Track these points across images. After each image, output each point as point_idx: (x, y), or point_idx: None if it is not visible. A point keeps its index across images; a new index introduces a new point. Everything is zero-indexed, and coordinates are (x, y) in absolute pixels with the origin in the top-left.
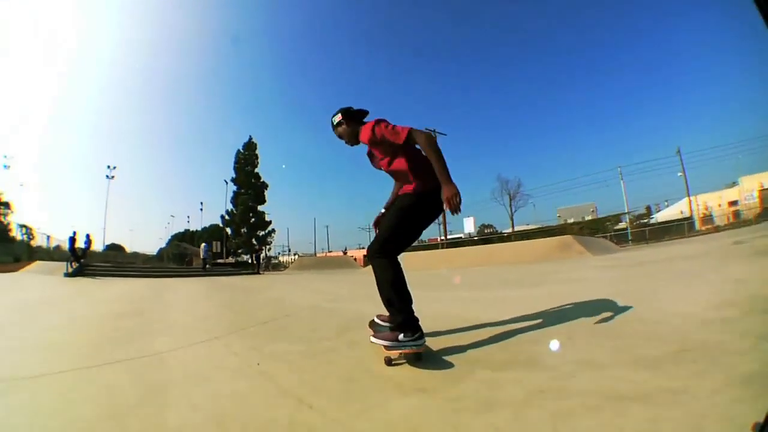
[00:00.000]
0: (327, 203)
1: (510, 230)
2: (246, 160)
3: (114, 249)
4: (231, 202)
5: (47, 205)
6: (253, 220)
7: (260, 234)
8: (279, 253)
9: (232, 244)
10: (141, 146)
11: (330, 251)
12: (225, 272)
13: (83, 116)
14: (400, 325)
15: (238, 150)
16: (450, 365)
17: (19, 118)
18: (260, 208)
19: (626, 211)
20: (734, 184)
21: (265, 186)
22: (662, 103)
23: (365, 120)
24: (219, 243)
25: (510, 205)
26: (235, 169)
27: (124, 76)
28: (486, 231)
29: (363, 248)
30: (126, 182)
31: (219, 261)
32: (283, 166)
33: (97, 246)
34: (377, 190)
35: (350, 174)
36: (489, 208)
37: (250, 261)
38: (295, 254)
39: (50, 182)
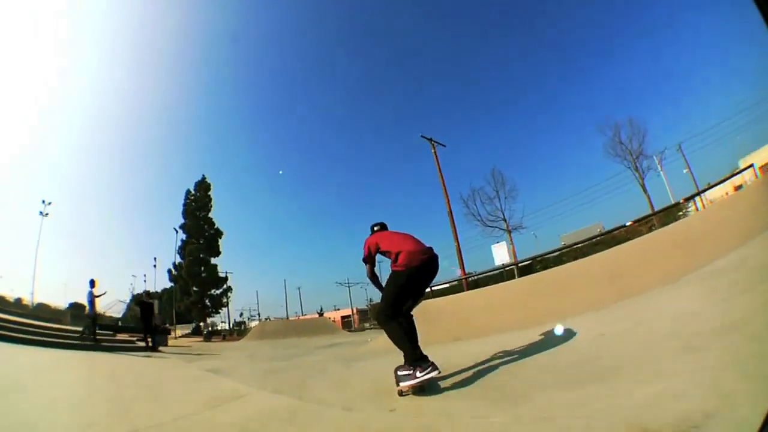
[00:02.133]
0: (298, 263)
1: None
2: (197, 203)
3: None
4: (178, 252)
5: None
6: (204, 275)
7: (214, 293)
8: (249, 318)
9: (181, 306)
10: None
11: (303, 314)
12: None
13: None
14: (413, 361)
15: (188, 190)
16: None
17: None
18: (213, 261)
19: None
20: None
21: (218, 234)
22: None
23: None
24: (156, 302)
25: (510, 237)
26: (184, 213)
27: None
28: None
29: (339, 309)
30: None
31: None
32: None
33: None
34: (348, 246)
35: (319, 232)
36: (474, 248)
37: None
38: (266, 319)
39: None
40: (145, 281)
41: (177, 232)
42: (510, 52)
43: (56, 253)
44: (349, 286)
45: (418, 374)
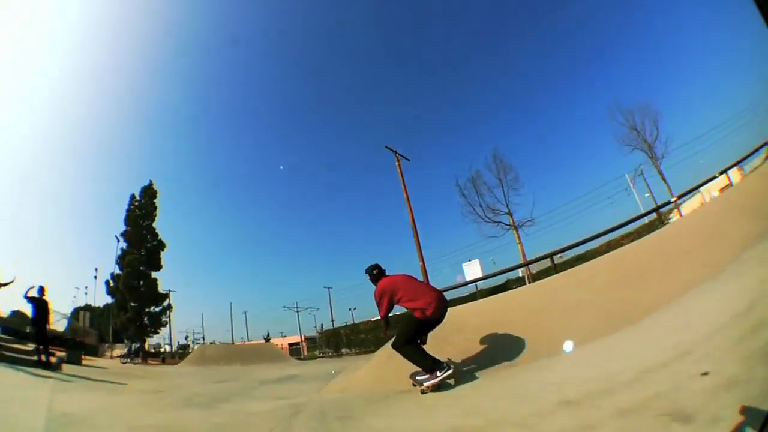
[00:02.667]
0: (245, 286)
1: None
2: (141, 209)
3: None
4: (117, 263)
5: None
6: (142, 289)
7: (153, 310)
8: (194, 341)
9: (117, 322)
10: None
11: (250, 340)
12: None
13: None
14: (431, 368)
15: (133, 195)
16: None
17: None
18: (154, 275)
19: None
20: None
21: (161, 246)
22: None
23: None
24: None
25: (516, 235)
26: (127, 219)
27: None
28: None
29: (286, 336)
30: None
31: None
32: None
33: None
34: (298, 269)
35: (267, 255)
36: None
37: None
38: (211, 342)
39: None
40: (86, 294)
41: (118, 240)
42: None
43: None
44: (297, 311)
45: (438, 374)
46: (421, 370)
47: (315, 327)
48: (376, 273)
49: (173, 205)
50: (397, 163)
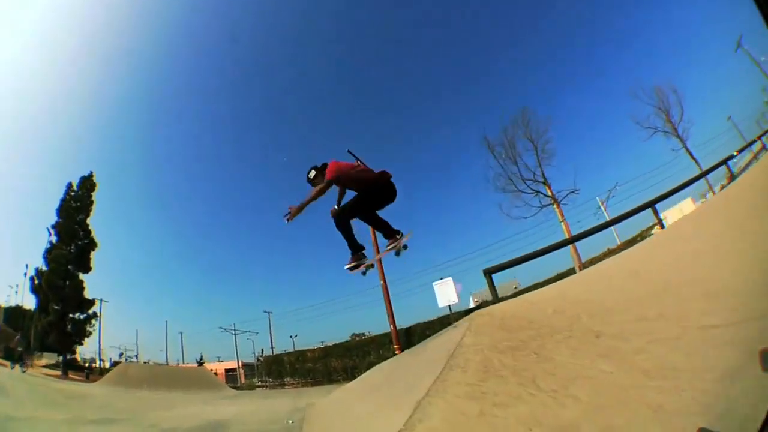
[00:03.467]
0: (182, 306)
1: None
2: (77, 201)
3: None
4: (43, 257)
5: None
6: (67, 290)
7: (77, 317)
8: (127, 359)
9: (38, 325)
10: None
11: (185, 362)
12: None
13: None
14: (353, 252)
15: (70, 183)
16: None
17: None
18: (82, 277)
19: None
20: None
21: (92, 246)
22: None
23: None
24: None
25: (558, 210)
26: (59, 210)
27: None
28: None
29: (222, 361)
30: None
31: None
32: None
33: None
34: (232, 295)
35: (203, 276)
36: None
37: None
38: (145, 362)
39: None
40: (16, 293)
41: (50, 233)
42: None
43: None
44: (234, 334)
45: (353, 260)
46: (351, 258)
47: (254, 353)
48: (318, 167)
49: (111, 204)
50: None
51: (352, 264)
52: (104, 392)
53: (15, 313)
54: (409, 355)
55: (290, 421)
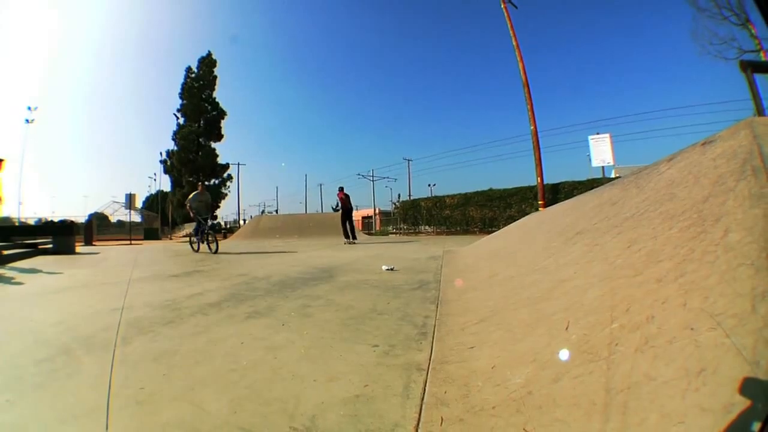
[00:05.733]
0: (320, 157)
1: None
2: (199, 81)
3: None
4: (172, 138)
5: None
6: (200, 160)
7: (213, 182)
8: (267, 213)
9: (173, 200)
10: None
11: (323, 212)
12: None
13: None
14: (345, 237)
15: (189, 67)
16: None
17: None
18: (215, 146)
19: None
20: None
21: (221, 115)
22: None
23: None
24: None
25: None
26: (182, 93)
27: None
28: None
29: (358, 208)
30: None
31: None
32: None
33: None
34: (371, 143)
35: (343, 123)
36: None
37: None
38: (274, 212)
39: None
40: (155, 180)
41: (177, 117)
42: None
43: None
44: (372, 180)
45: (344, 240)
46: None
47: (391, 200)
48: (342, 188)
49: (237, 76)
50: (503, 6)
51: (344, 242)
52: (225, 246)
53: (155, 198)
54: (617, 188)
55: (388, 268)
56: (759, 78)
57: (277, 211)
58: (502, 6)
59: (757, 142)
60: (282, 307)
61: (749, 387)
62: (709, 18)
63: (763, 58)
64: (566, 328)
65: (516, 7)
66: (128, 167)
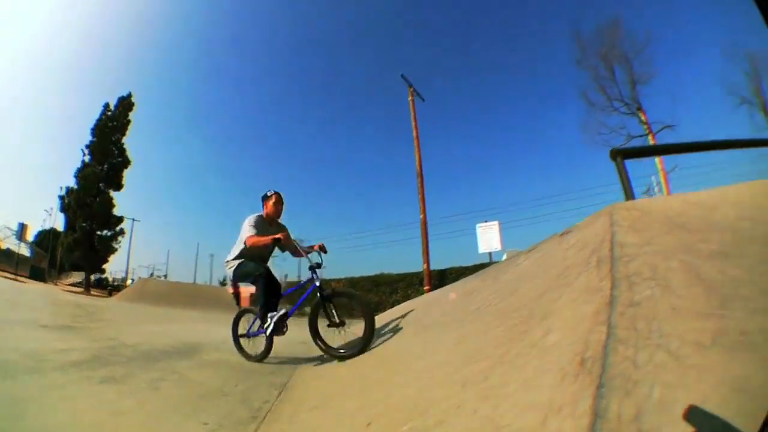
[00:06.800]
0: (214, 230)
1: None
2: (113, 121)
3: None
4: (74, 176)
5: None
6: (96, 207)
7: (105, 234)
8: (156, 278)
9: (63, 243)
10: None
11: (211, 284)
12: None
13: None
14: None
15: (107, 104)
16: None
17: None
18: (113, 193)
19: None
20: None
21: (125, 164)
22: None
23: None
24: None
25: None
26: (94, 129)
27: None
28: None
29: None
30: None
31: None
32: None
33: None
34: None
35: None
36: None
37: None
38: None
39: None
40: (50, 215)
41: (84, 153)
42: None
43: None
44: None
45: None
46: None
47: (280, 275)
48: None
49: (149, 127)
50: (410, 98)
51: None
52: (107, 305)
53: (48, 235)
54: (478, 279)
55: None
56: (630, 163)
57: (166, 276)
58: (410, 99)
59: (612, 229)
60: (138, 377)
61: None
62: (601, 111)
63: (652, 142)
64: (368, 425)
65: (423, 100)
66: (24, 187)
